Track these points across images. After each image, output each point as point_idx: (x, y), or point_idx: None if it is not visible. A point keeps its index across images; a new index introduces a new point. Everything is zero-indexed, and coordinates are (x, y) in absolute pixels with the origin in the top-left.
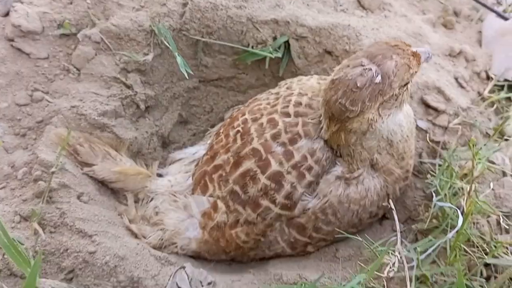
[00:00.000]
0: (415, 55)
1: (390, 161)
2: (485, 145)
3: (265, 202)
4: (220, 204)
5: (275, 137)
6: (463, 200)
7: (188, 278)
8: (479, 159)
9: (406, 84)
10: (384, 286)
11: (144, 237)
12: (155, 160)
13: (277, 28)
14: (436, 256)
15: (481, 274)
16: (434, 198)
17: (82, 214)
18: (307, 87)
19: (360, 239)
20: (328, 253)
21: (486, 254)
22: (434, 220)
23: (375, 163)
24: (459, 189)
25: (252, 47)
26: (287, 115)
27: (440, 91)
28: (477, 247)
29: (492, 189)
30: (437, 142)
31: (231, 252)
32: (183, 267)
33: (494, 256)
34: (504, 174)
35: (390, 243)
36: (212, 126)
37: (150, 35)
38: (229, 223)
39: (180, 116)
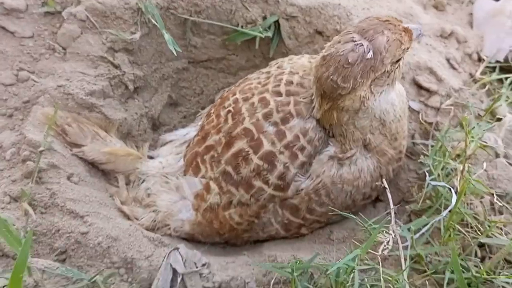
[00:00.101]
0: (407, 30)
1: (383, 141)
2: (477, 124)
3: (258, 183)
4: (213, 185)
5: (266, 116)
6: (457, 180)
7: (182, 259)
8: (472, 137)
9: (398, 60)
10: (379, 264)
11: (137, 219)
12: (146, 141)
13: (266, 7)
14: (430, 236)
15: (476, 254)
16: (428, 178)
17: (72, 194)
18: (298, 65)
19: (354, 217)
20: (322, 235)
21: (480, 234)
22: (427, 201)
23: (368, 144)
24: (452, 170)
25: (242, 26)
26: (279, 94)
27: (432, 72)
28: (471, 227)
29: (485, 170)
30: (430, 123)
31: (224, 234)
32: (177, 248)
33: (488, 236)
34: (497, 155)
35: (383, 222)
36: (203, 108)
37: (137, 13)
38: (222, 204)
39: (170, 98)
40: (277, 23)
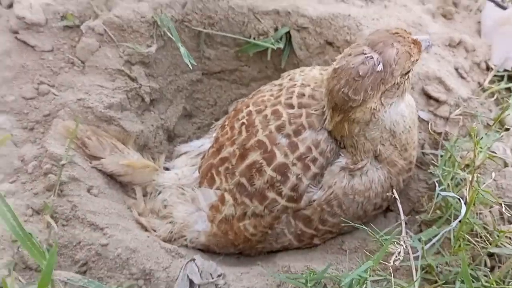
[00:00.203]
0: (416, 42)
1: (393, 152)
2: (486, 134)
3: (271, 194)
4: (228, 196)
5: (279, 128)
6: (466, 190)
7: (198, 270)
8: (481, 147)
9: (408, 72)
10: (390, 274)
11: (154, 230)
12: (161, 153)
13: (278, 18)
14: (440, 246)
15: (485, 264)
16: (437, 189)
17: (93, 207)
18: (310, 77)
19: (366, 228)
20: (334, 245)
21: (490, 243)
22: (437, 211)
23: (378, 155)
24: (461, 180)
25: (254, 38)
26: (291, 106)
27: (441, 82)
28: (481, 237)
29: (494, 180)
30: (439, 133)
31: (239, 245)
32: (193, 260)
33: (497, 246)
34: (506, 164)
35: (395, 233)
36: (217, 120)
37: (153, 27)
38: (237, 215)
39: (185, 110)
40: (288, 34)
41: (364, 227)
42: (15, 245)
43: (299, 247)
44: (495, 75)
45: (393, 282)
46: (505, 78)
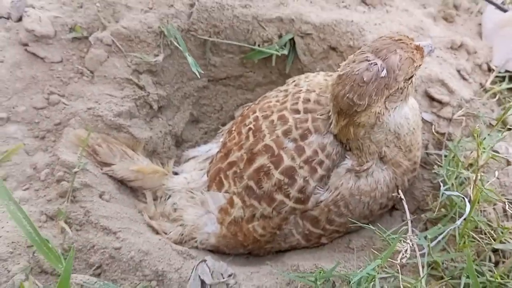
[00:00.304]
0: (418, 48)
1: (398, 153)
2: (489, 134)
3: (279, 197)
4: (236, 199)
5: (286, 133)
6: (470, 188)
7: (209, 271)
8: (484, 148)
9: (411, 77)
10: (398, 271)
11: (165, 233)
12: (170, 158)
13: (282, 26)
14: (446, 243)
15: (490, 259)
16: (442, 188)
17: (105, 212)
18: (315, 83)
19: (372, 228)
20: (341, 244)
21: (494, 240)
22: (442, 209)
23: (383, 156)
24: (465, 179)
25: (259, 45)
26: (297, 111)
27: (443, 84)
28: (485, 233)
29: (497, 178)
30: (442, 134)
31: (248, 246)
32: (204, 260)
33: (501, 242)
34: (509, 163)
35: (401, 232)
36: (223, 125)
37: (160, 36)
38: (246, 217)
39: (192, 115)
40: (292, 40)
41: (370, 226)
42: (30, 250)
43: (307, 246)
44: (496, 76)
45: (400, 279)
46: (507, 79)
